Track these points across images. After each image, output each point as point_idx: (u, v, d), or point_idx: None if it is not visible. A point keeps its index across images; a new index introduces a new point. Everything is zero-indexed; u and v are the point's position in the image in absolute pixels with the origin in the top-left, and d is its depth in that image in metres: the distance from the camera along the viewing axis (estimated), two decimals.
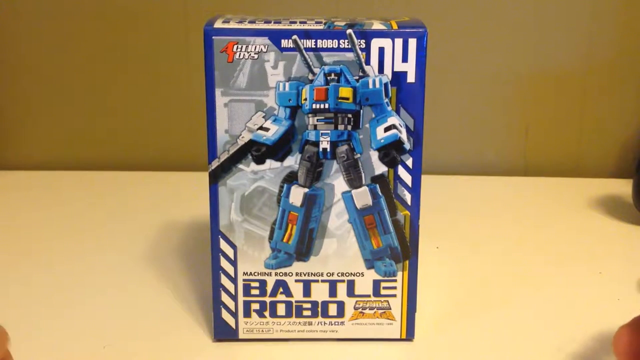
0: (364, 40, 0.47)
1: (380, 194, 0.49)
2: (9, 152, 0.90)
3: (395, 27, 0.47)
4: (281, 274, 0.51)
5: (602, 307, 0.58)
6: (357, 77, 0.47)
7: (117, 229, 0.72)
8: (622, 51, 0.86)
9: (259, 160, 0.49)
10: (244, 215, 0.50)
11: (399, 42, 0.47)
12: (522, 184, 0.86)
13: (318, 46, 0.47)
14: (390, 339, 0.53)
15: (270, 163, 0.49)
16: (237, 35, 0.47)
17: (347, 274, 0.51)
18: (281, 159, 0.49)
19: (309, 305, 0.52)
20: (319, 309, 0.52)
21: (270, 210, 0.50)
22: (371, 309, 0.52)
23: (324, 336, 0.53)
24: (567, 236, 0.71)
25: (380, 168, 0.49)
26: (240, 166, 0.49)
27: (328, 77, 0.47)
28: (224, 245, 0.51)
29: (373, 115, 0.48)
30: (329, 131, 0.48)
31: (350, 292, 0.51)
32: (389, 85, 0.47)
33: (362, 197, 0.49)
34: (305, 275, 0.51)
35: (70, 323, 0.55)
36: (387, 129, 0.48)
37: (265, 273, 0.51)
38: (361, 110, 0.48)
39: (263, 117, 0.48)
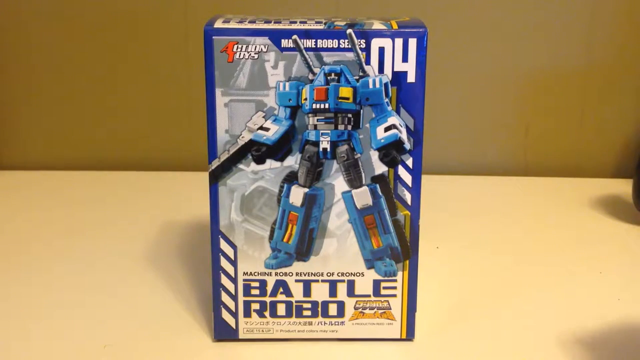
0: (364, 40, 0.47)
1: (380, 193, 0.49)
2: (9, 152, 0.90)
3: (395, 27, 0.47)
4: (281, 274, 0.51)
5: (602, 307, 0.58)
6: (357, 77, 0.47)
7: (117, 229, 0.72)
8: (622, 51, 0.86)
9: (259, 160, 0.49)
10: (244, 215, 0.50)
11: (399, 42, 0.47)
12: (522, 184, 0.86)
13: (318, 46, 0.47)
14: (390, 339, 0.53)
15: (270, 163, 0.49)
16: (237, 35, 0.47)
17: (347, 274, 0.51)
18: (281, 159, 0.49)
19: (309, 305, 0.52)
20: (319, 309, 0.52)
21: (270, 210, 0.50)
22: (371, 309, 0.52)
23: (324, 336, 0.52)
24: (567, 236, 0.71)
25: (380, 168, 0.49)
26: (241, 166, 0.49)
27: (328, 77, 0.47)
28: (224, 245, 0.51)
29: (373, 115, 0.48)
30: (329, 131, 0.48)
31: (351, 292, 0.51)
32: (389, 85, 0.47)
33: (362, 197, 0.49)
34: (305, 275, 0.51)
35: (70, 323, 0.55)
36: (387, 129, 0.48)
37: (265, 273, 0.51)
38: (361, 110, 0.48)
39: (263, 117, 0.48)
